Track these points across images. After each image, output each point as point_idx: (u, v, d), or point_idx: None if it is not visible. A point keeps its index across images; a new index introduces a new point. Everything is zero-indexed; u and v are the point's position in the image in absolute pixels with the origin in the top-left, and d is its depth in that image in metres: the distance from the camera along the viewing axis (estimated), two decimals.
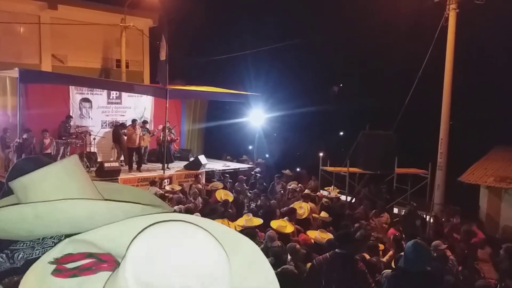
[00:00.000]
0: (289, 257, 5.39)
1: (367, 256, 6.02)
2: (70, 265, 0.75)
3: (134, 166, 13.10)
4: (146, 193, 1.24)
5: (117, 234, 0.83)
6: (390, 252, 6.69)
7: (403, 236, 7.44)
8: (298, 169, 14.72)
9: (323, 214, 8.63)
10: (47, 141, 11.54)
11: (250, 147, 17.27)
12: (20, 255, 1.04)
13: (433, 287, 3.90)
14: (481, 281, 5.57)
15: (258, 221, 7.23)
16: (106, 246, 0.81)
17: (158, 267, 0.66)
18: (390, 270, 5.17)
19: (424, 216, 10.54)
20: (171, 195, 9.86)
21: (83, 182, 1.08)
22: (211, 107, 18.38)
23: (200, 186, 11.12)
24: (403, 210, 10.62)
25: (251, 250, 0.84)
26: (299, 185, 11.87)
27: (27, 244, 1.05)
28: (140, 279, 0.65)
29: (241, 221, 7.19)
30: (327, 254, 4.57)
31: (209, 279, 0.67)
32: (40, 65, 15.34)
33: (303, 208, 8.25)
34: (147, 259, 0.67)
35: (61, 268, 0.75)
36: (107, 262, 0.76)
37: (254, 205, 9.90)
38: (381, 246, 7.51)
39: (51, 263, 0.76)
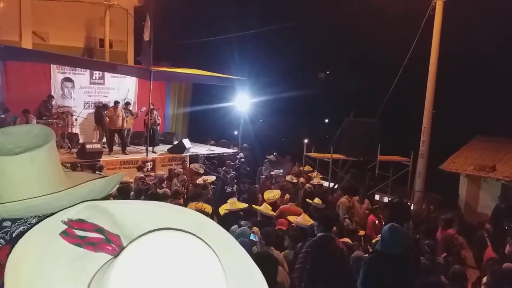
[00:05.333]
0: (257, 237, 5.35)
1: (348, 240, 6.10)
2: (79, 233, 0.72)
3: (116, 148, 12.92)
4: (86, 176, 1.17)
5: (141, 212, 0.78)
6: None
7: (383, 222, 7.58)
8: (277, 154, 14.70)
9: (317, 200, 8.40)
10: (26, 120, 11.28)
11: (236, 132, 17.18)
12: None
13: (409, 270, 3.96)
14: (456, 266, 5.66)
15: (242, 205, 7.43)
16: (126, 221, 0.76)
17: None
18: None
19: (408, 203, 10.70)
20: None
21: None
22: (196, 90, 18.16)
23: (182, 170, 11.02)
24: (385, 198, 10.77)
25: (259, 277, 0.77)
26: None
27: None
28: None
29: (226, 205, 7.39)
30: (316, 238, 4.57)
31: None
32: (20, 42, 14.83)
33: (273, 192, 8.78)
34: (134, 281, 0.58)
35: (70, 232, 0.72)
36: (112, 244, 0.71)
37: (230, 190, 9.90)
38: (362, 232, 7.67)
39: (64, 223, 0.73)
